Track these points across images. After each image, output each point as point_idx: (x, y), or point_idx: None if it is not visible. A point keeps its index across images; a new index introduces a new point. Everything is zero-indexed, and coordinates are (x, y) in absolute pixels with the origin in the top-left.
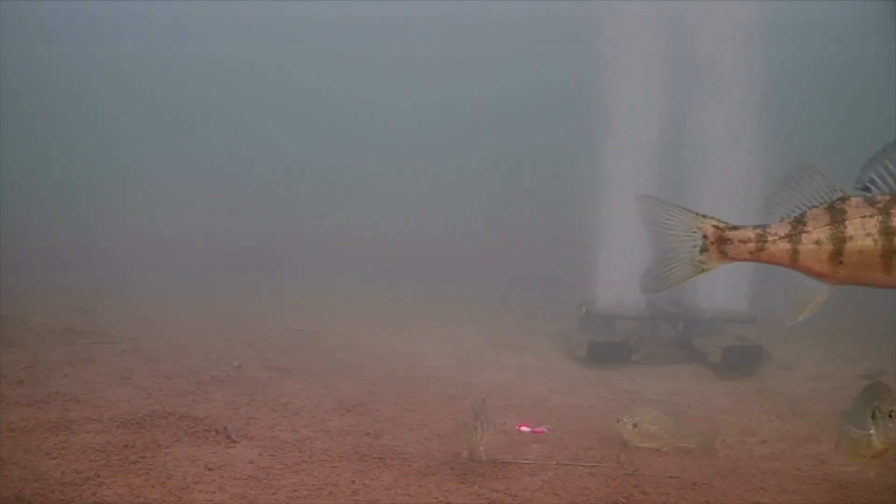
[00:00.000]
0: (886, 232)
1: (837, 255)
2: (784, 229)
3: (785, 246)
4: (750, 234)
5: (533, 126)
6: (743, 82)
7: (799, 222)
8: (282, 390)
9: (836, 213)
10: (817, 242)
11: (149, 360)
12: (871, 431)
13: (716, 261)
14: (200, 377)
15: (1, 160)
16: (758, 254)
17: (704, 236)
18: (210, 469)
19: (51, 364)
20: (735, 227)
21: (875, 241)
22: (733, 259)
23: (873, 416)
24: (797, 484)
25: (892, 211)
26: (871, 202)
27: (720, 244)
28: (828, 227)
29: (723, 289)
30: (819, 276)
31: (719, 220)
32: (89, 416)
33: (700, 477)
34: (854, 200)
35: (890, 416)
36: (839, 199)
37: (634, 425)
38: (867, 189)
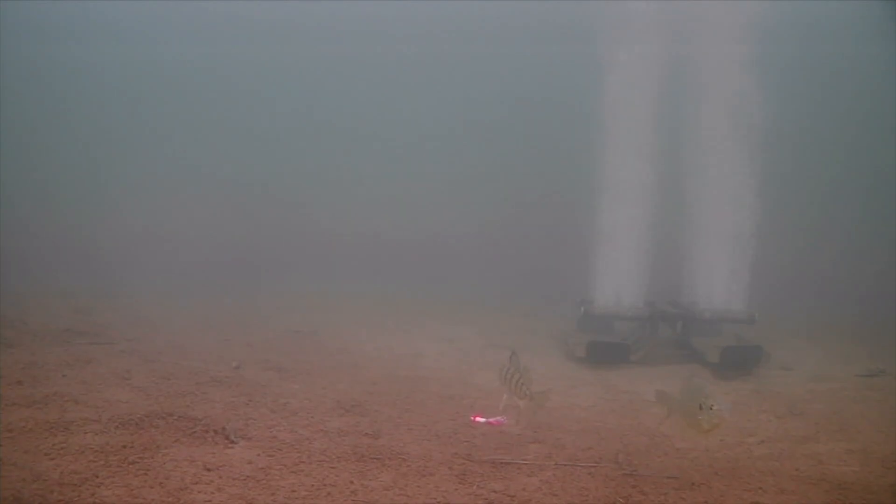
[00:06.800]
0: None
1: None
2: None
3: None
4: None
5: (532, 126)
6: (742, 82)
7: None
8: (280, 391)
9: None
10: None
11: (147, 360)
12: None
13: None
14: (199, 378)
15: (0, 160)
16: None
17: None
18: (209, 469)
19: (49, 365)
20: None
21: None
22: None
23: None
24: (795, 484)
25: None
26: None
27: None
28: None
29: (722, 289)
30: None
31: None
32: (88, 416)
33: (698, 477)
34: None
35: None
36: None
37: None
38: None
